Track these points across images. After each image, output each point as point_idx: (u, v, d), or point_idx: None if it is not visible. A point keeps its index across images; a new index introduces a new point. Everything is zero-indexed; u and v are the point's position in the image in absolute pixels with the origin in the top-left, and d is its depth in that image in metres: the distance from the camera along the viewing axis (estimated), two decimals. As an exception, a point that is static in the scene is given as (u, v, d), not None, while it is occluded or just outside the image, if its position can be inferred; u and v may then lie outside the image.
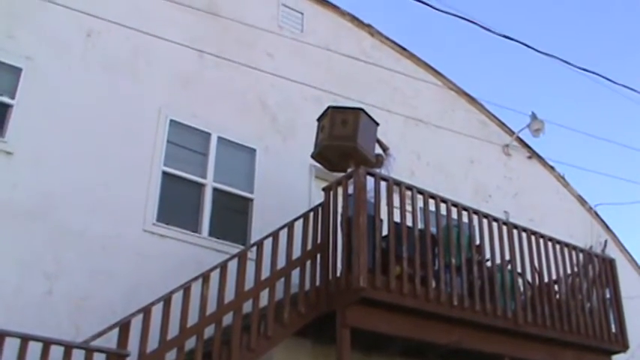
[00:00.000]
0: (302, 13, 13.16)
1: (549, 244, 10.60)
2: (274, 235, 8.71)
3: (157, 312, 7.58)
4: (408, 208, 9.06)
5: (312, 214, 9.14)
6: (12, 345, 6.55)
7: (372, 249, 8.41)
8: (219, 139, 10.91)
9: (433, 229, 9.34)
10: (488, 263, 9.76)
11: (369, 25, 14.16)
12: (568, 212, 16.17)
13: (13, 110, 9.13)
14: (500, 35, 11.23)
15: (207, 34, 11.47)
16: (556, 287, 10.48)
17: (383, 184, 9.05)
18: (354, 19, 13.99)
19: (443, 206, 9.50)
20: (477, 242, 9.77)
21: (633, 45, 36.31)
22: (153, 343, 7.45)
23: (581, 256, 11.12)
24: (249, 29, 11.86)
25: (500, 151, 15.54)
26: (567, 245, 10.92)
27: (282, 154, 11.51)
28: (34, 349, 6.68)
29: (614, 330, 10.93)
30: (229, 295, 8.07)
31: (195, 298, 7.84)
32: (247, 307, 8.19)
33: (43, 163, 9.11)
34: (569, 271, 10.72)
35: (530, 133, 15.47)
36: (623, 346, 10.98)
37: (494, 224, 9.98)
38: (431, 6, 10.23)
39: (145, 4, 10.79)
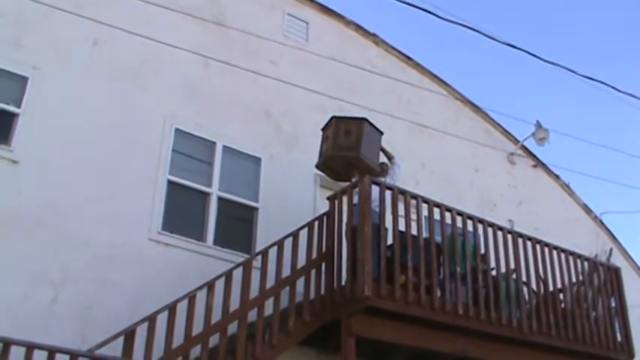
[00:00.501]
0: (307, 23, 13.20)
1: (554, 252, 10.59)
2: (279, 243, 8.72)
3: (162, 321, 7.60)
4: (413, 216, 9.07)
5: (317, 223, 9.15)
6: (17, 353, 6.57)
7: (377, 258, 8.42)
8: (225, 148, 10.94)
9: (438, 238, 9.35)
10: (493, 272, 9.75)
11: (374, 35, 14.19)
12: (573, 221, 16.13)
13: (19, 119, 9.17)
14: (504, 44, 11.25)
15: (213, 44, 11.50)
16: (561, 296, 10.47)
17: (388, 192, 9.06)
18: (359, 29, 14.02)
19: (448, 215, 9.51)
20: (482, 251, 9.76)
21: (638, 52, 36.31)
22: (158, 352, 7.47)
23: (586, 264, 11.11)
24: (255, 39, 11.90)
25: (504, 159, 15.53)
26: (572, 254, 10.91)
27: (287, 163, 11.52)
28: (40, 357, 6.69)
29: (619, 339, 10.91)
30: (234, 303, 8.08)
31: (200, 307, 7.86)
32: (252, 315, 8.21)
33: (48, 171, 9.14)
34: (574, 279, 10.71)
35: (535, 142, 15.48)
36: (629, 355, 10.94)
37: (499, 233, 9.98)
38: (436, 15, 10.27)
39: (151, 13, 10.82)
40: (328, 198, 9.30)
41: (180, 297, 7.85)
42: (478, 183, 14.50)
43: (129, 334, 7.41)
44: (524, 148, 15.95)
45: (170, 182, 10.19)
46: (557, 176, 16.59)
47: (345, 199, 9.01)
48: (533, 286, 10.13)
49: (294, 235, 8.88)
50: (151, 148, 10.18)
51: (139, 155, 10.02)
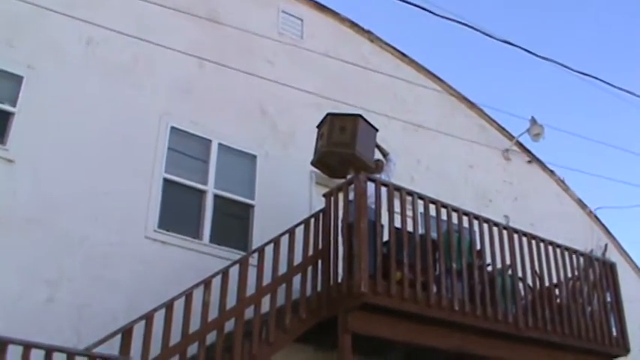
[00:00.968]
0: (301, 20, 13.21)
1: (549, 248, 10.62)
2: (275, 241, 8.73)
3: (158, 318, 7.61)
4: (409, 213, 9.09)
5: (313, 220, 9.17)
6: (14, 352, 6.57)
7: (373, 254, 8.44)
8: (220, 145, 10.94)
9: (434, 235, 9.36)
10: (489, 268, 9.78)
11: (368, 31, 14.20)
12: (568, 216, 16.17)
13: (14, 118, 9.16)
14: (499, 40, 11.29)
15: (208, 41, 11.51)
16: (557, 291, 10.50)
17: (383, 189, 9.07)
18: (354, 25, 14.03)
19: (443, 211, 9.54)
20: (478, 247, 9.79)
21: (632, 48, 36.37)
22: (155, 350, 7.47)
23: (581, 259, 11.14)
24: (249, 36, 11.90)
25: (500, 155, 15.56)
26: (567, 249, 10.94)
27: (283, 161, 11.53)
28: (37, 356, 6.70)
29: (615, 334, 10.95)
30: (231, 301, 8.09)
31: (196, 305, 7.87)
32: (249, 313, 8.22)
33: (44, 170, 9.13)
34: (569, 275, 10.74)
35: (530, 138, 15.51)
36: (624, 350, 10.98)
37: (495, 229, 10.00)
38: (430, 11, 10.29)
39: (145, 12, 10.81)
40: (324, 195, 9.32)
41: (176, 295, 7.86)
42: (473, 179, 14.52)
43: (126, 332, 7.41)
44: (520, 144, 15.99)
45: (166, 180, 10.20)
46: (552, 172, 16.64)
47: (340, 195, 9.02)
48: (529, 281, 10.17)
49: (291, 232, 8.90)
50: (147, 147, 10.18)
51: (135, 153, 10.02)
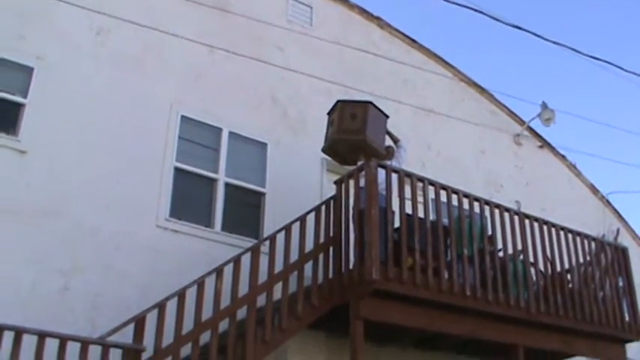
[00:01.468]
0: (311, 7, 13.18)
1: (561, 233, 10.58)
2: (287, 228, 8.74)
3: (171, 307, 7.64)
4: (420, 199, 9.07)
5: (324, 207, 9.16)
6: (29, 342, 6.63)
7: (385, 241, 8.43)
8: (231, 134, 10.96)
9: (445, 221, 9.35)
10: (501, 253, 9.76)
11: (378, 18, 14.16)
12: (580, 201, 16.14)
13: (25, 109, 9.20)
14: (509, 25, 11.25)
15: (217, 30, 11.51)
16: (569, 276, 10.47)
17: (394, 176, 9.06)
18: (363, 12, 14.00)
19: (454, 197, 9.50)
20: (489, 233, 9.77)
21: (644, 31, 36.14)
22: (168, 338, 7.51)
23: (593, 244, 11.09)
24: (259, 24, 11.90)
25: (511, 140, 15.52)
26: (579, 234, 10.89)
27: (294, 148, 11.54)
28: (51, 345, 6.75)
29: (627, 318, 10.91)
30: (243, 289, 8.11)
31: (209, 293, 7.89)
32: (261, 300, 8.23)
33: (56, 161, 9.18)
34: (581, 260, 10.70)
35: (540, 123, 15.46)
36: (637, 335, 10.94)
37: (506, 214, 9.96)
38: (439, -3, 10.26)
39: (155, 1, 10.83)
40: (335, 182, 9.31)
41: (189, 283, 7.89)
42: (484, 164, 14.50)
43: (139, 321, 7.46)
44: (530, 129, 15.94)
45: (177, 169, 10.23)
46: (563, 157, 16.58)
47: (351, 182, 9.01)
48: (541, 267, 10.13)
49: (302, 219, 8.90)
50: (158, 136, 10.22)
51: (146, 143, 10.05)
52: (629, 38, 36.34)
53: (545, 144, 16.25)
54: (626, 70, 12.64)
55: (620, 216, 17.07)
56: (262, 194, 10.97)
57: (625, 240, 15.34)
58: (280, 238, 8.62)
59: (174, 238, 9.80)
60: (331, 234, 8.97)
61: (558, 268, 10.26)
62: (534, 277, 9.99)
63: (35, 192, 8.87)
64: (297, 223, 8.84)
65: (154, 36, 10.57)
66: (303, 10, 13.07)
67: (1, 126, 8.96)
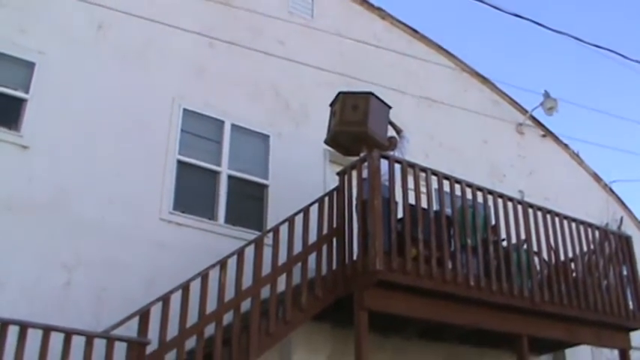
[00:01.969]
0: (312, -1, 13.17)
1: (565, 222, 10.58)
2: (290, 220, 8.75)
3: (175, 300, 7.67)
4: (423, 189, 9.07)
5: (327, 198, 9.17)
6: (35, 336, 6.65)
7: (388, 232, 8.44)
8: (233, 126, 10.97)
9: (448, 211, 9.36)
10: (504, 243, 9.76)
11: (379, 8, 14.13)
12: (583, 190, 16.13)
13: (27, 104, 9.20)
14: (511, 14, 11.20)
15: (218, 23, 11.50)
16: (572, 265, 10.47)
17: (397, 166, 9.06)
18: (364, 2, 13.97)
19: (457, 187, 9.50)
20: (493, 222, 9.77)
21: (646, 19, 36.04)
22: (173, 331, 7.54)
23: (597, 233, 11.09)
24: (260, 16, 11.88)
25: (513, 130, 15.51)
26: (583, 223, 10.90)
27: (296, 140, 11.54)
28: (56, 339, 6.77)
29: (631, 307, 10.92)
30: (247, 281, 8.12)
31: (213, 285, 7.91)
32: (265, 292, 8.25)
33: (58, 155, 9.18)
34: (585, 249, 10.71)
35: (543, 112, 15.45)
36: (641, 323, 10.97)
37: (509, 204, 9.97)
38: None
39: (155, -6, 10.84)
40: (338, 173, 9.31)
41: (193, 276, 7.90)
42: (487, 154, 14.49)
43: (143, 314, 7.49)
44: (533, 118, 15.92)
45: (180, 162, 10.24)
46: (566, 145, 16.56)
47: (354, 173, 9.02)
48: (545, 256, 10.14)
49: (305, 211, 8.91)
50: (160, 129, 10.22)
51: (148, 136, 10.06)
52: (632, 26, 36.25)
53: (547, 133, 16.23)
54: (629, 59, 12.60)
55: (623, 204, 17.05)
56: (265, 186, 10.98)
57: (628, 229, 15.33)
58: (284, 229, 8.63)
59: (177, 231, 9.81)
60: (334, 225, 8.98)
61: (562, 257, 10.27)
62: (538, 267, 10.01)
63: (38, 187, 8.87)
64: (301, 215, 8.84)
65: (155, 29, 10.56)
66: (305, 1, 13.05)
67: (2, 121, 8.97)
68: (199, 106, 10.74)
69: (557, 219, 10.47)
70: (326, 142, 10.11)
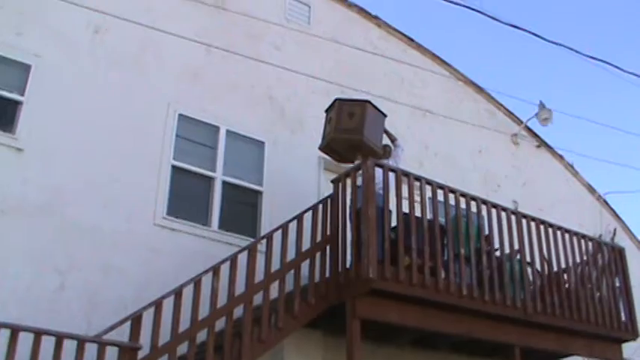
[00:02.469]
0: (309, 6, 13.18)
1: (558, 233, 10.58)
2: (284, 227, 8.74)
3: (168, 305, 7.64)
4: (417, 198, 9.07)
5: (321, 206, 9.16)
6: (26, 339, 6.63)
7: (381, 240, 8.43)
8: (228, 132, 10.96)
9: (442, 220, 9.36)
10: (498, 253, 9.76)
11: (376, 17, 14.16)
12: (577, 201, 16.15)
13: (22, 107, 9.20)
14: (507, 24, 11.27)
15: (215, 28, 11.51)
16: (565, 276, 10.47)
17: (391, 175, 9.06)
18: (362, 11, 13.99)
19: (451, 196, 9.50)
20: (486, 232, 9.77)
21: (641, 32, 36.17)
22: (164, 336, 7.50)
23: (590, 244, 11.10)
24: (257, 22, 11.90)
25: (508, 140, 15.53)
26: (576, 234, 10.91)
27: (291, 147, 11.55)
28: (48, 343, 6.75)
29: (624, 319, 10.93)
30: (240, 287, 8.11)
31: (205, 291, 7.88)
32: (258, 299, 8.23)
33: (53, 159, 9.17)
34: (578, 260, 10.71)
35: (538, 122, 15.47)
36: (633, 335, 10.96)
37: (503, 214, 9.97)
38: (437, -4, 10.26)
39: (152, -1, 10.84)
40: (332, 181, 9.31)
41: (185, 281, 7.88)
42: (482, 164, 14.50)
43: (135, 319, 7.46)
44: (528, 129, 15.95)
45: (174, 167, 10.23)
46: (560, 156, 16.59)
47: (349, 181, 9.02)
48: (538, 266, 10.14)
49: (299, 218, 8.90)
50: (155, 134, 10.22)
51: (143, 141, 10.05)
52: (627, 38, 36.37)
53: (542, 144, 16.26)
54: (624, 70, 12.68)
55: (617, 216, 17.08)
56: (259, 193, 10.98)
57: (622, 240, 15.35)
58: (277, 236, 8.62)
59: (171, 236, 9.80)
60: (328, 233, 8.97)
61: (555, 268, 10.27)
62: (531, 277, 10.01)
63: (32, 190, 8.86)
64: (295, 222, 8.83)
65: (151, 34, 10.56)
66: (302, 8, 13.06)
67: (-2, 123, 8.96)
68: (195, 111, 10.74)
69: (550, 229, 10.48)
70: (321, 148, 10.12)
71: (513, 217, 10.07)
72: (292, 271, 8.57)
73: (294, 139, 11.69)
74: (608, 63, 12.33)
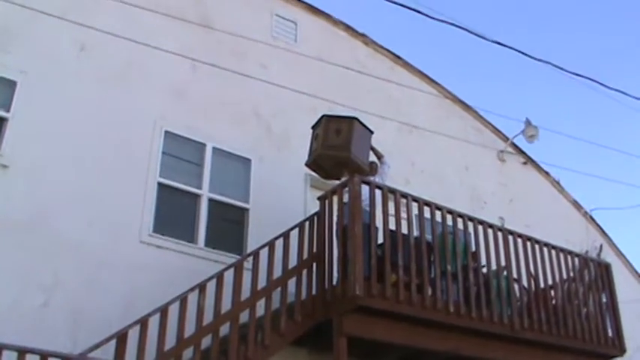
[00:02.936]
0: (295, 23, 13.21)
1: (545, 249, 10.61)
2: (270, 244, 8.72)
3: (153, 323, 7.59)
4: (403, 215, 9.08)
5: (307, 223, 9.16)
6: (10, 358, 6.56)
7: (368, 257, 8.43)
8: (214, 149, 10.94)
9: (428, 237, 9.36)
10: (484, 270, 9.77)
11: (363, 34, 14.20)
12: (564, 217, 16.19)
13: (8, 124, 9.16)
14: (493, 42, 11.28)
15: (201, 46, 11.51)
16: (552, 292, 10.49)
17: (378, 192, 9.07)
18: (348, 28, 14.04)
19: (438, 213, 9.52)
20: (473, 249, 9.79)
21: (626, 49, 36.42)
22: (150, 355, 7.45)
23: (577, 261, 11.14)
24: (243, 40, 11.90)
25: (495, 157, 15.57)
26: (563, 250, 10.94)
27: (277, 164, 11.53)
28: (32, 361, 6.69)
29: (610, 334, 10.94)
30: (226, 305, 8.08)
31: (192, 309, 7.86)
32: (244, 316, 8.21)
33: (38, 175, 9.13)
34: (565, 276, 10.73)
35: (524, 139, 15.52)
36: (620, 351, 10.98)
37: (490, 231, 10.00)
38: (424, 14, 10.30)
39: (138, 16, 10.81)
40: (319, 198, 9.31)
41: (171, 299, 7.85)
42: (468, 181, 14.53)
43: (121, 337, 7.40)
44: (514, 146, 16.00)
45: (160, 184, 10.20)
46: (547, 173, 16.65)
47: (335, 198, 9.01)
48: (524, 283, 10.15)
49: (285, 235, 8.89)
50: (141, 151, 10.19)
51: (129, 158, 10.02)
52: (613, 55, 36.60)
53: (529, 160, 16.31)
54: (609, 88, 12.70)
55: (603, 232, 17.13)
56: (246, 210, 10.95)
57: (608, 256, 15.36)
58: (264, 254, 8.61)
59: (157, 253, 9.75)
60: (315, 250, 8.97)
61: (542, 285, 10.29)
62: (518, 294, 10.01)
63: (17, 206, 8.80)
64: (281, 239, 8.83)
65: (137, 51, 10.55)
66: (288, 26, 13.09)
67: (-17, 140, 8.92)
68: (181, 128, 10.72)
69: (537, 246, 10.50)
70: (307, 164, 10.11)
71: (500, 234, 10.10)
72: (279, 289, 8.55)
73: (280, 156, 11.68)
74: (593, 80, 12.37)
